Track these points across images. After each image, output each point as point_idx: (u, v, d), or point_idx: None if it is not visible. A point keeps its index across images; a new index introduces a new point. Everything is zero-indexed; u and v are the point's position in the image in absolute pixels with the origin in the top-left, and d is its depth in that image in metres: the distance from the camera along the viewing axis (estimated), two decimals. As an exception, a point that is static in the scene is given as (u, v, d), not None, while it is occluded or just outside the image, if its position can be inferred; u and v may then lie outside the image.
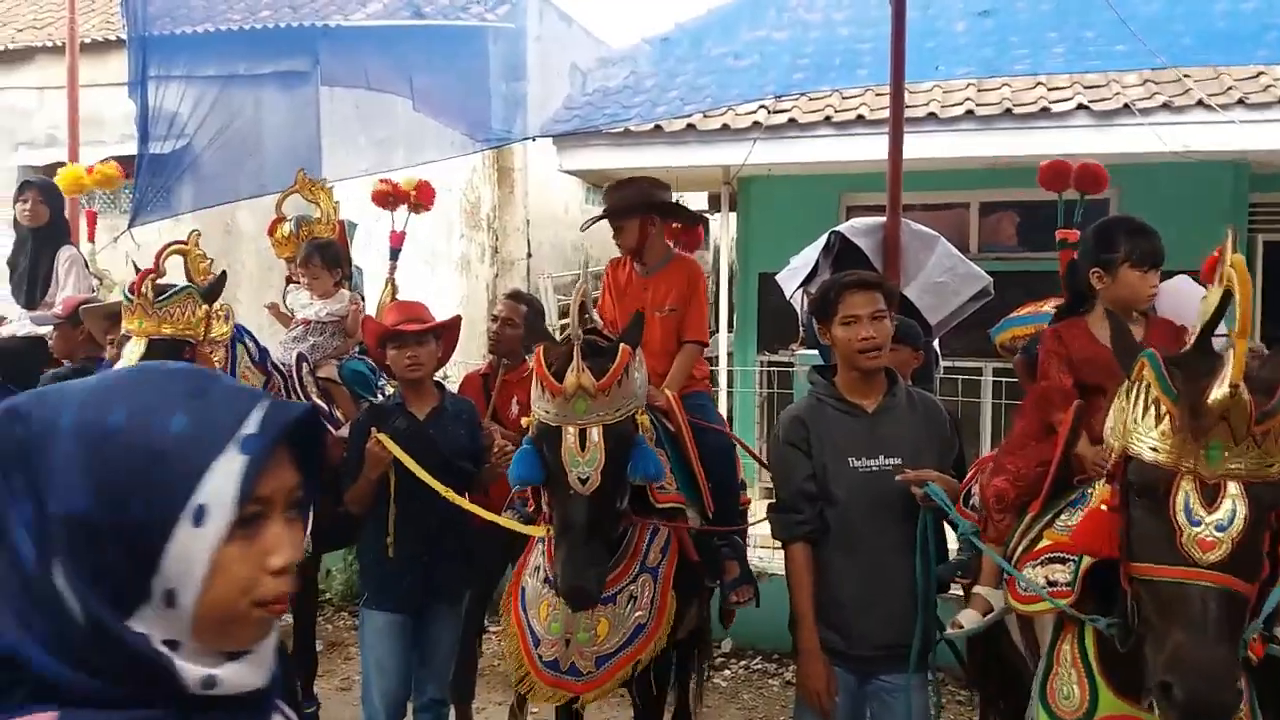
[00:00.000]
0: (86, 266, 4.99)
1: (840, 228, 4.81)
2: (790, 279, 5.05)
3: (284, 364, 4.07)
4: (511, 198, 9.15)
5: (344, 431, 3.89)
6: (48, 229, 4.86)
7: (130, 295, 3.35)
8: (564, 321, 6.98)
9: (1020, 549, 2.40)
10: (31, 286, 4.89)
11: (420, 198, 4.83)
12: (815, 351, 4.19)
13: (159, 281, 3.36)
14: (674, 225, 3.77)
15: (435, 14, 6.52)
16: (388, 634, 3.40)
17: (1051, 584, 2.20)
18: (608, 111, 6.57)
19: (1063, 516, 2.34)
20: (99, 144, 6.73)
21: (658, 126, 7.02)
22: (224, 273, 3.64)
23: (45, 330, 4.61)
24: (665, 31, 6.53)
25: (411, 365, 3.40)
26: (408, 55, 6.22)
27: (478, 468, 3.47)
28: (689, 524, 3.00)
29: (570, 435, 2.51)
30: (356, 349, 4.48)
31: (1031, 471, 2.49)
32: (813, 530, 2.66)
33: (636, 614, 2.78)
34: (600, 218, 3.66)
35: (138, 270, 3.40)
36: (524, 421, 2.84)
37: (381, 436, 3.21)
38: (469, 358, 7.09)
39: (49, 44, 7.88)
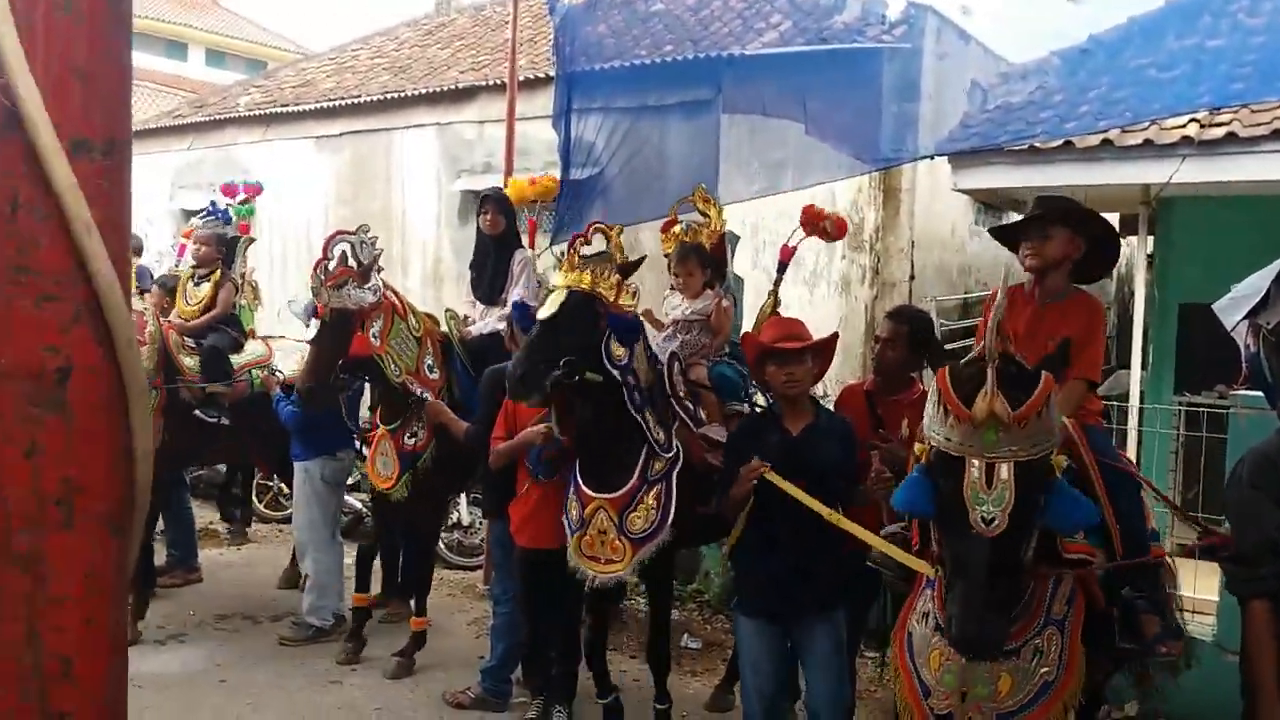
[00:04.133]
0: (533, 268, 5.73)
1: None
2: (1232, 310, 4.46)
3: (660, 363, 4.33)
4: (896, 219, 8.99)
5: (704, 430, 4.05)
6: (503, 236, 5.62)
7: (561, 256, 3.84)
8: (951, 346, 6.70)
9: None
10: (491, 286, 5.66)
11: (837, 233, 4.95)
12: (1258, 393, 3.67)
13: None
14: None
15: (832, 38, 6.58)
16: (760, 636, 3.50)
17: None
18: (1010, 128, 6.25)
19: None
20: (525, 171, 7.52)
21: (1067, 142, 6.54)
22: (643, 257, 3.99)
23: (503, 326, 5.32)
24: (1077, 43, 6.08)
25: (788, 382, 3.46)
26: (803, 80, 6.34)
27: (851, 486, 3.45)
28: (1095, 568, 2.75)
29: (975, 469, 2.27)
30: (725, 351, 4.63)
31: None
32: (1278, 587, 2.32)
33: (1043, 670, 2.57)
34: (1026, 222, 3.42)
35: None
36: (916, 448, 2.68)
37: (770, 474, 3.29)
38: (844, 379, 7.04)
39: (487, 83, 8.97)
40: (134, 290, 6.16)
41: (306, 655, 5.35)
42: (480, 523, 6.93)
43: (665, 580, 4.21)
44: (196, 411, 5.53)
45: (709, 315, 4.55)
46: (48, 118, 1.00)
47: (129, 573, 1.17)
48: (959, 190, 7.98)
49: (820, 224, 4.79)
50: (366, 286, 4.70)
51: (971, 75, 6.48)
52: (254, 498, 8.01)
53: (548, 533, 4.13)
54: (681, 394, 4.06)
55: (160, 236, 10.57)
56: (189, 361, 5.61)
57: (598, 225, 3.96)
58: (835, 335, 3.73)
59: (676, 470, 3.78)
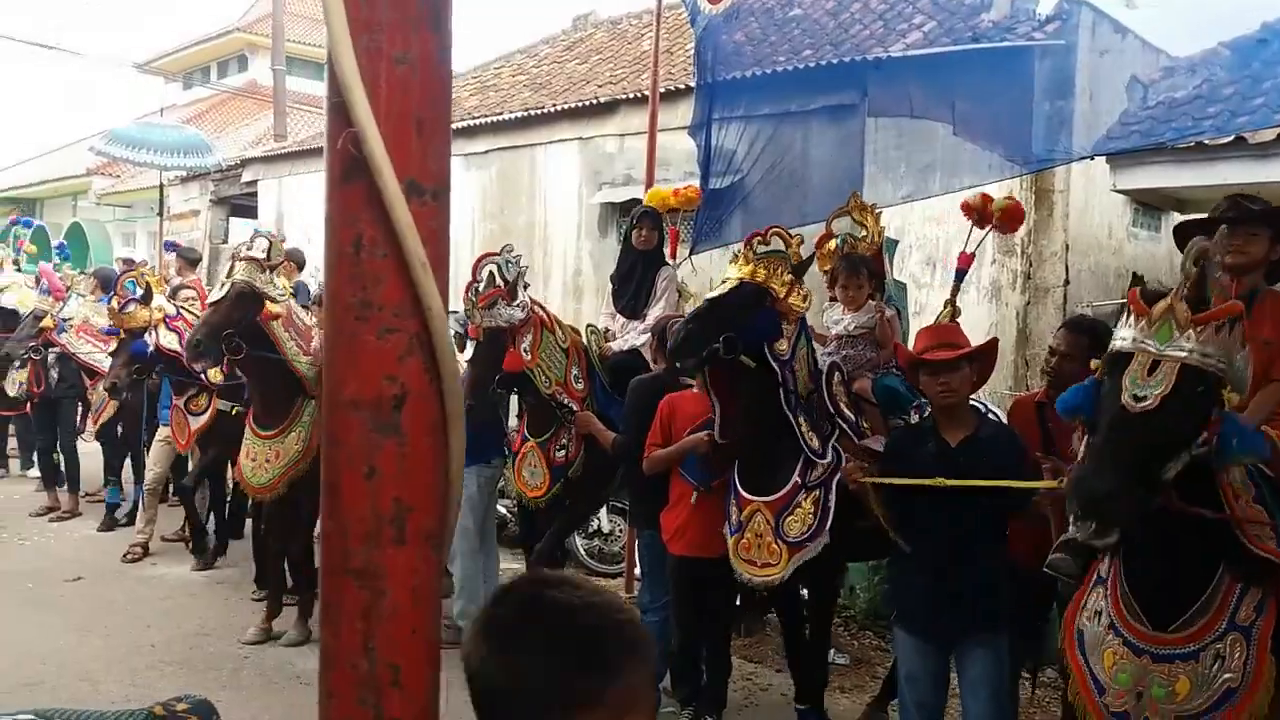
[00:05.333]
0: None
1: None
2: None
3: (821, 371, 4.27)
4: (1049, 221, 8.62)
5: (867, 442, 3.98)
6: (653, 252, 5.69)
7: (739, 251, 3.92)
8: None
9: None
10: (635, 300, 5.74)
11: (1006, 218, 4.74)
12: None
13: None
14: None
15: (980, 37, 6.38)
16: (917, 652, 3.42)
17: None
18: (1175, 125, 5.92)
19: None
20: (664, 182, 7.58)
21: (1238, 139, 6.15)
22: (813, 254, 4.00)
23: (643, 341, 5.38)
24: (1249, 32, 5.71)
25: (943, 392, 3.35)
26: (951, 80, 6.18)
27: (1018, 499, 3.33)
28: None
29: (1140, 361, 2.33)
30: (891, 363, 4.53)
31: None
32: None
33: (1225, 676, 2.46)
34: (1222, 221, 3.23)
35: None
36: (1093, 364, 2.71)
37: (865, 477, 3.25)
38: (995, 388, 6.79)
39: (627, 96, 9.08)
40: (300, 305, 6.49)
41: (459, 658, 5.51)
42: (620, 531, 7.00)
43: (830, 595, 4.16)
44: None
45: (873, 328, 4.49)
46: (390, 164, 1.07)
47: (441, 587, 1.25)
48: (1119, 191, 7.62)
49: (990, 216, 4.67)
50: (515, 304, 4.86)
51: (1131, 70, 6.17)
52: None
53: (701, 541, 4.15)
54: (842, 405, 4.02)
55: (318, 253, 11.10)
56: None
57: (776, 229, 3.98)
58: (994, 341, 3.62)
59: (837, 477, 3.74)
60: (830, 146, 6.20)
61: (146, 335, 6.72)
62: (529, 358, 4.92)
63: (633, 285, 5.77)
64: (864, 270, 4.59)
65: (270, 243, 5.64)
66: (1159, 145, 6.36)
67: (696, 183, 6.47)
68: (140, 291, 6.84)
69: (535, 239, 9.33)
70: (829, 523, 3.71)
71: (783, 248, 3.89)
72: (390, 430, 1.11)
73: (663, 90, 7.81)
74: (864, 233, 4.85)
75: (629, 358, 5.50)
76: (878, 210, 5.00)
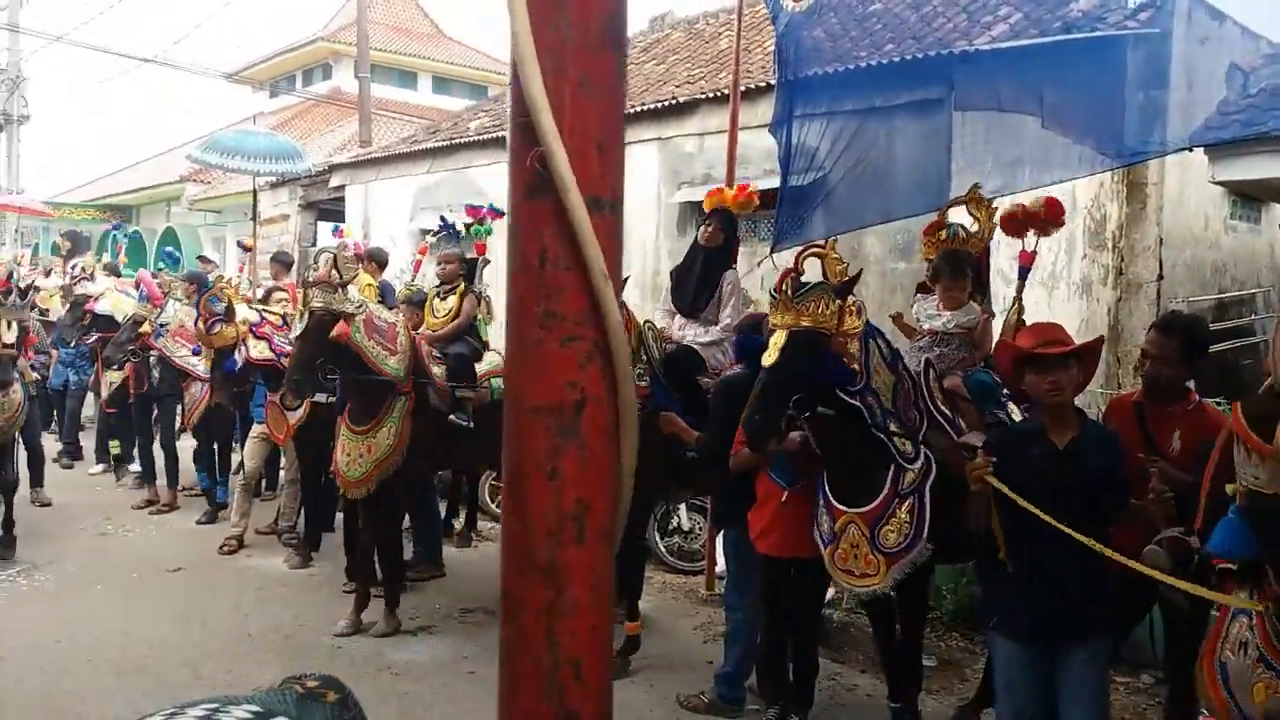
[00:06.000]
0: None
1: None
2: None
3: (914, 370, 4.19)
4: (1142, 214, 8.37)
5: (965, 438, 3.91)
6: (719, 250, 5.64)
7: (775, 294, 3.73)
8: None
9: None
10: (694, 299, 5.69)
11: (1049, 215, 4.63)
12: None
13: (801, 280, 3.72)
14: None
15: (1070, 27, 6.22)
16: (1015, 658, 3.35)
17: None
18: (1278, 113, 5.71)
19: None
20: (743, 179, 7.57)
21: (1347, 127, 5.88)
22: (860, 271, 3.89)
23: (708, 339, 5.36)
24: (1358, 12, 5.48)
25: (1052, 390, 3.28)
26: (1040, 72, 6.02)
27: (1119, 500, 3.24)
28: None
29: None
30: (982, 363, 4.45)
31: None
32: None
33: None
34: None
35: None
36: (1229, 488, 2.47)
37: (989, 477, 3.17)
38: (1088, 386, 6.61)
39: (706, 95, 9.07)
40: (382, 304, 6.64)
41: (544, 651, 5.58)
42: (700, 529, 7.00)
43: (921, 595, 4.10)
44: (451, 417, 5.89)
45: (973, 329, 4.40)
46: (575, 181, 1.13)
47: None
48: (1217, 182, 7.35)
49: (1024, 219, 4.56)
50: None
51: (1230, 58, 5.95)
52: (487, 498, 8.44)
53: (789, 541, 4.13)
54: (939, 401, 3.96)
55: (400, 255, 11.34)
56: (437, 370, 5.99)
57: (812, 250, 3.87)
58: (1100, 340, 3.53)
59: (930, 482, 3.68)
60: (916, 142, 6.09)
61: (236, 352, 6.93)
62: None
63: (692, 283, 5.70)
64: (968, 271, 4.49)
65: (334, 256, 5.73)
66: (1261, 135, 6.13)
67: (776, 181, 6.42)
68: (223, 306, 7.05)
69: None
70: (926, 530, 3.66)
71: (820, 276, 3.72)
72: (571, 434, 1.16)
73: (742, 89, 7.80)
74: (976, 228, 4.74)
75: (683, 353, 5.47)
76: (994, 205, 4.86)
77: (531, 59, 1.10)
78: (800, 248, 4.04)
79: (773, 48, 9.78)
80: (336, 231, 10.45)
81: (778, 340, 3.61)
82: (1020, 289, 4.78)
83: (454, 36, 29.66)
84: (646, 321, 5.76)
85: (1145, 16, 5.91)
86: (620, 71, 1.20)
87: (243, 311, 7.14)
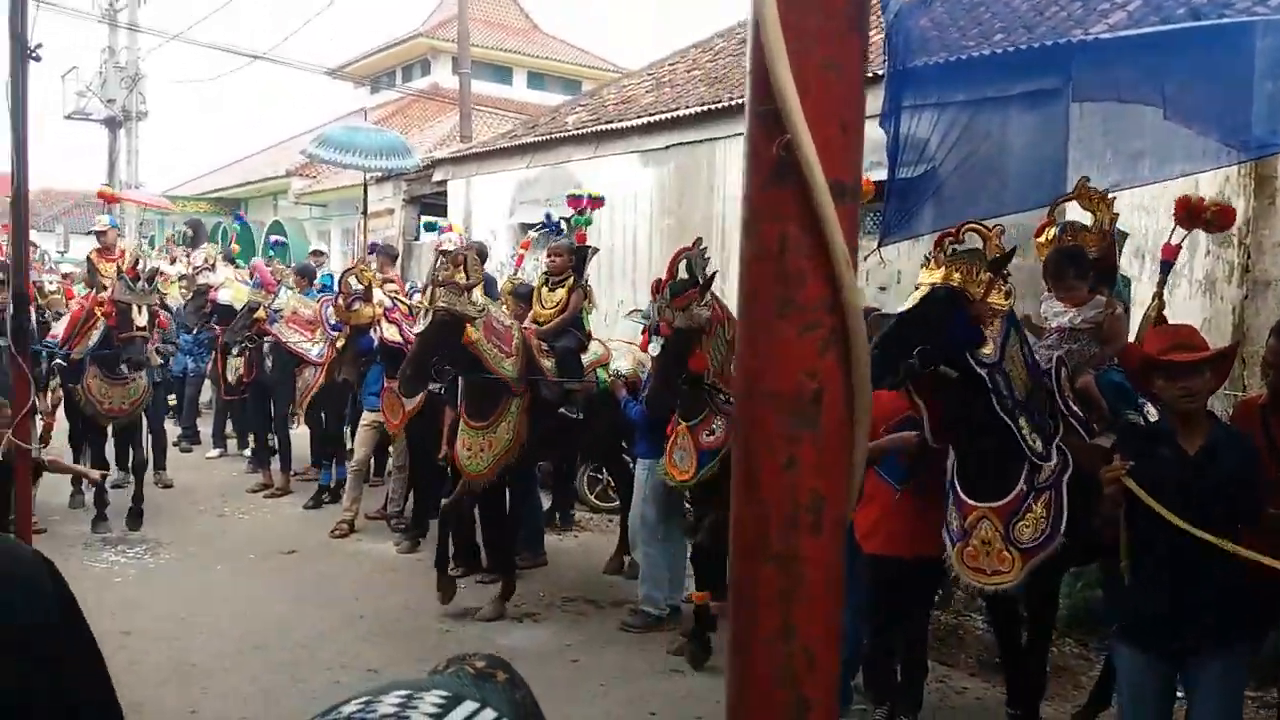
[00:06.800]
0: None
1: None
2: None
3: (1044, 365, 4.11)
4: (1271, 208, 7.96)
5: (1098, 440, 3.80)
6: None
7: (929, 256, 3.88)
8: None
9: None
10: None
11: (1219, 217, 4.46)
12: None
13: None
14: None
15: (1196, 12, 5.98)
16: (1141, 667, 3.26)
17: None
18: None
19: None
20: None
21: None
22: (1014, 249, 3.85)
23: None
24: None
25: (1184, 396, 3.17)
26: (1162, 60, 5.78)
27: (1252, 504, 3.13)
28: None
29: None
30: (1113, 359, 4.32)
31: None
32: None
33: None
34: None
35: None
36: None
37: (1126, 479, 3.08)
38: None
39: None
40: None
41: (647, 643, 5.63)
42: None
43: (1051, 596, 4.02)
44: (561, 410, 5.99)
45: (1101, 324, 4.28)
46: (820, 166, 1.12)
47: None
48: (1356, 174, 6.96)
49: (1201, 216, 4.36)
50: (704, 303, 4.89)
51: (1370, 42, 5.65)
52: (585, 489, 8.54)
53: (897, 540, 4.08)
54: (1071, 402, 3.87)
55: (501, 248, 11.53)
56: (547, 363, 6.09)
57: (971, 225, 3.86)
58: (1235, 346, 3.41)
59: (1067, 475, 3.60)
60: (1030, 133, 5.92)
61: (371, 331, 7.19)
62: (708, 355, 4.97)
63: None
64: (1073, 268, 4.36)
65: (465, 258, 5.85)
66: (1406, 124, 5.79)
67: (883, 173, 6.32)
68: (362, 286, 7.32)
69: (713, 233, 9.36)
70: (1063, 525, 3.58)
71: (979, 244, 3.74)
72: (808, 423, 1.16)
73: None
74: (1090, 222, 4.61)
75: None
76: (1112, 197, 4.71)
77: (779, 43, 1.11)
78: (960, 223, 4.00)
79: (877, 39, 9.65)
80: (439, 228, 10.71)
81: (920, 292, 3.68)
82: (1161, 284, 4.63)
83: (549, 31, 29.96)
84: None
85: (1276, 2, 5.65)
86: (863, 52, 1.20)
87: (379, 295, 7.41)
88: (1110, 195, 4.66)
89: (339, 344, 7.58)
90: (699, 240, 5.05)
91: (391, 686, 0.84)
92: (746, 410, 1.21)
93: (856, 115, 1.19)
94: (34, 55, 4.40)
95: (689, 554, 5.71)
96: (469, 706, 0.82)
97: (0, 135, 4.69)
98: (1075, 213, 4.89)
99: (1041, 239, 4.66)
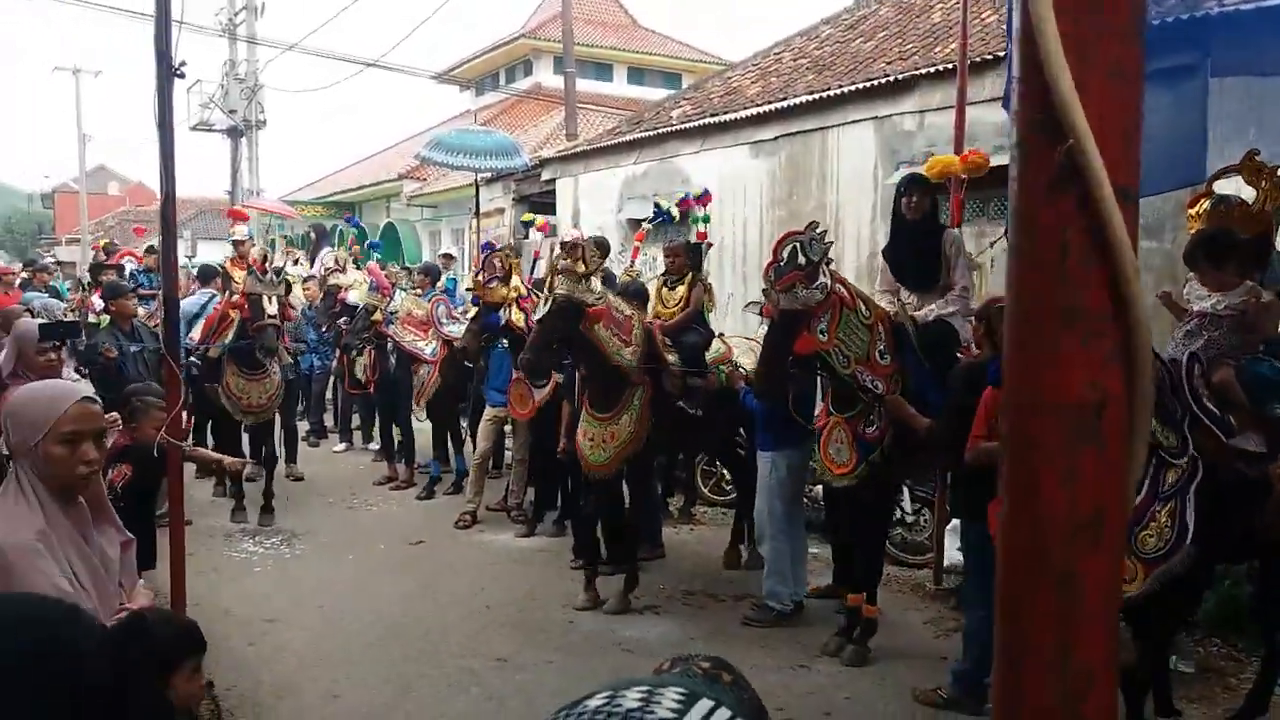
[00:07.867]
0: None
1: None
2: None
3: (1174, 361, 3.91)
4: None
5: (1236, 440, 3.62)
6: (925, 220, 5.46)
7: None
8: None
9: None
10: (921, 273, 5.53)
11: None
12: None
13: None
14: None
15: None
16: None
17: None
18: None
19: None
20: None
21: None
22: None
23: (950, 311, 5.21)
24: None
25: None
26: (1309, 30, 5.49)
27: None
28: None
29: None
30: (1260, 347, 4.10)
31: None
32: None
33: None
34: None
35: None
36: None
37: None
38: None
39: (924, 72, 8.80)
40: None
41: (769, 637, 5.61)
42: (925, 520, 6.84)
43: (1176, 608, 3.85)
44: (681, 404, 6.03)
45: (1245, 311, 4.06)
46: (1105, 172, 1.12)
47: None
48: None
49: None
50: (814, 285, 4.75)
51: None
52: (699, 482, 8.56)
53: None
54: (1205, 399, 3.69)
55: (610, 245, 11.61)
56: (671, 359, 6.13)
57: None
58: None
59: (1196, 483, 3.45)
60: (1167, 112, 5.64)
61: (501, 311, 7.39)
62: (825, 339, 4.82)
63: (915, 258, 5.53)
64: (1199, 251, 4.14)
65: (583, 247, 5.90)
66: None
67: (1003, 158, 6.15)
68: (504, 271, 7.54)
69: (826, 222, 9.25)
70: (1189, 536, 3.42)
71: None
72: (1090, 436, 1.13)
73: (970, 62, 7.50)
74: (1253, 197, 4.37)
75: (939, 327, 5.31)
76: None
77: (1058, 54, 1.10)
78: None
79: (990, 20, 9.37)
80: (544, 227, 10.92)
81: None
82: None
83: (648, 26, 30.03)
84: (894, 299, 5.60)
85: None
86: (1142, 58, 1.19)
87: (516, 281, 7.62)
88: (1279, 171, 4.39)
89: (470, 315, 7.84)
90: (814, 224, 4.90)
91: (630, 683, 0.87)
92: (1020, 421, 1.18)
93: (1135, 119, 1.18)
94: (179, 73, 4.62)
95: (831, 552, 5.65)
96: (705, 705, 0.85)
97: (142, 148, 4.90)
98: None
99: (1193, 211, 4.43)
